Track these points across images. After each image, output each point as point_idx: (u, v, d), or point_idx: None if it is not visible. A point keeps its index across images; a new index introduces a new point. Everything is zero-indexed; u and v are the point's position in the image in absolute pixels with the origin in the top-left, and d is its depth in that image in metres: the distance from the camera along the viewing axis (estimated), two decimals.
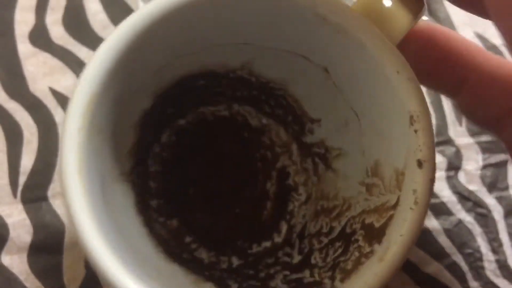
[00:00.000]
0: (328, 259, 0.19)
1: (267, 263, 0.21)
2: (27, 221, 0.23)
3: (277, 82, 0.21)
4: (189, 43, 0.19)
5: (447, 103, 0.26)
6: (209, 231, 0.22)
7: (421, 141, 0.16)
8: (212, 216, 0.23)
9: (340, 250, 0.19)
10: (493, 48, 0.27)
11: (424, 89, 0.25)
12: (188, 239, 0.22)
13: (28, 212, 0.23)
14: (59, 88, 0.24)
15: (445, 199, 0.25)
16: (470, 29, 0.27)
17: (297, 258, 0.21)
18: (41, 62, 0.25)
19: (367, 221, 0.18)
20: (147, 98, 0.20)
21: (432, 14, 0.27)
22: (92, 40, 0.25)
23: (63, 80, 0.25)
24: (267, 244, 0.22)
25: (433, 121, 0.26)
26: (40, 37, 0.25)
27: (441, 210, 0.24)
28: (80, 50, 0.25)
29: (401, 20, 0.16)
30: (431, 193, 0.16)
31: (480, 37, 0.27)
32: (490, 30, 0.27)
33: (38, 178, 0.23)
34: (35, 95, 0.24)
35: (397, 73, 0.16)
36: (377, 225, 0.17)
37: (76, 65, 0.25)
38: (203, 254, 0.22)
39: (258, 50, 0.20)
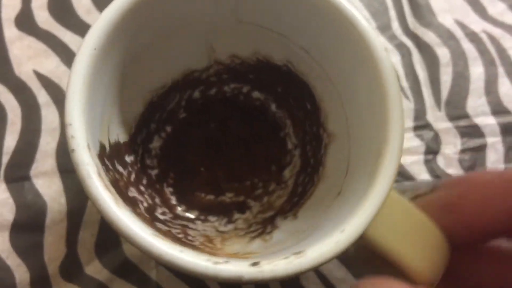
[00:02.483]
0: None
1: None
2: (10, 200, 0.23)
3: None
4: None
5: (426, 88, 0.26)
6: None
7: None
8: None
9: None
10: (472, 34, 0.27)
11: (402, 72, 0.26)
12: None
13: (11, 191, 0.23)
14: (43, 70, 0.25)
15: (423, 182, 0.25)
16: (450, 16, 0.28)
17: None
18: (26, 45, 0.25)
19: None
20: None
21: (412, 1, 0.28)
22: (76, 25, 0.26)
23: (47, 63, 0.25)
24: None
25: (412, 105, 0.26)
26: (25, 21, 0.25)
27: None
28: (64, 34, 0.25)
29: None
30: None
31: (459, 23, 0.27)
32: (469, 17, 0.28)
33: (21, 158, 0.24)
34: (20, 77, 0.25)
35: None
36: None
37: (60, 49, 0.25)
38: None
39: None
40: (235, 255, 0.19)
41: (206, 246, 0.20)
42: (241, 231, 0.22)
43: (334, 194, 0.19)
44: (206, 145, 0.23)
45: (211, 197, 0.23)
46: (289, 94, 0.23)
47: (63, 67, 0.25)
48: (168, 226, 0.21)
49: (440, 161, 0.25)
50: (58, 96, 0.25)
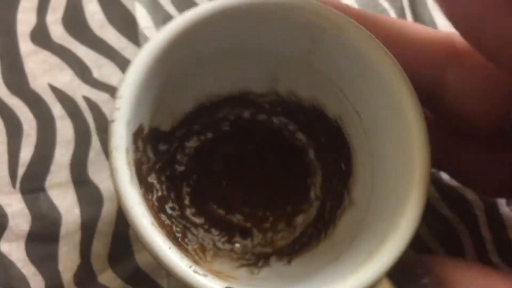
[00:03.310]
0: None
1: None
2: (26, 211, 0.24)
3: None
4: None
5: None
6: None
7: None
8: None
9: None
10: None
11: None
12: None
13: (26, 202, 0.24)
14: (57, 84, 0.26)
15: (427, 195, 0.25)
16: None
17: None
18: (41, 60, 0.26)
19: None
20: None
21: (417, 17, 0.28)
22: (90, 39, 0.26)
23: (62, 76, 0.26)
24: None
25: None
26: (40, 36, 0.26)
27: None
28: (78, 49, 0.26)
29: None
30: None
31: None
32: None
33: (36, 170, 0.25)
34: (35, 91, 0.25)
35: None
36: None
37: (74, 63, 0.26)
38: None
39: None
40: (218, 274, 0.20)
41: (197, 254, 0.21)
42: (235, 255, 0.22)
43: (331, 257, 0.19)
44: (236, 163, 0.24)
45: (222, 211, 0.23)
46: (329, 148, 0.23)
47: (77, 81, 0.26)
48: (171, 222, 0.21)
49: (444, 173, 0.26)
50: (72, 109, 0.25)
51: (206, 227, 0.23)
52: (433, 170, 0.26)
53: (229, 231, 0.23)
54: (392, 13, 0.28)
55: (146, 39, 0.26)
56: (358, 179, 0.21)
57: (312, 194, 0.24)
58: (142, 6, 0.27)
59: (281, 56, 0.20)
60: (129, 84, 0.16)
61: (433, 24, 0.28)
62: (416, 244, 0.24)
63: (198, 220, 0.23)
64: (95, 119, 0.25)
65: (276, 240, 0.23)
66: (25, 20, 0.26)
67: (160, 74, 0.18)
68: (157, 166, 0.21)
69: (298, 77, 0.21)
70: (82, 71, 0.26)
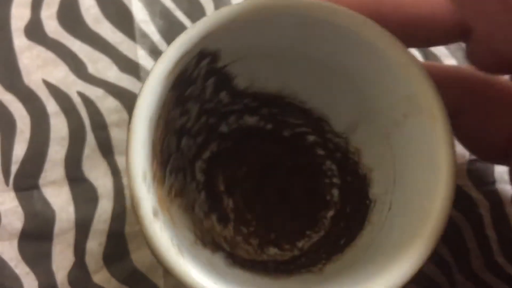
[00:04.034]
0: None
1: None
2: (19, 209, 0.23)
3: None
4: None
5: None
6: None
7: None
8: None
9: None
10: None
11: None
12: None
13: (20, 199, 0.24)
14: (52, 80, 0.25)
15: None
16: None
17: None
18: (35, 55, 0.25)
19: None
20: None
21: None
22: (85, 34, 0.26)
23: (56, 72, 0.25)
24: None
25: None
26: (35, 31, 0.26)
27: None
28: (73, 44, 0.26)
29: None
30: None
31: None
32: None
33: (30, 167, 0.24)
34: (29, 87, 0.25)
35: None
36: None
37: (69, 58, 0.25)
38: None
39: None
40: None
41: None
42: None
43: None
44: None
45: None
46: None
47: (72, 76, 0.25)
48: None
49: None
50: (67, 105, 0.25)
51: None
52: None
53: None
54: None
55: (142, 33, 0.26)
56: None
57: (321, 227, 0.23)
58: None
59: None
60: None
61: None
62: None
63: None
64: (90, 115, 0.25)
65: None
66: (19, 15, 0.26)
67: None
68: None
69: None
70: (77, 67, 0.25)
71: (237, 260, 0.21)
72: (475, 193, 0.25)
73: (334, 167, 0.23)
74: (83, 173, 0.24)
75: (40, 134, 0.24)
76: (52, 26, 0.26)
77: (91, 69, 0.25)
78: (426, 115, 0.16)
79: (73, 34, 0.26)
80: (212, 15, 0.16)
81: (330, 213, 0.23)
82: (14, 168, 0.24)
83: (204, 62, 0.19)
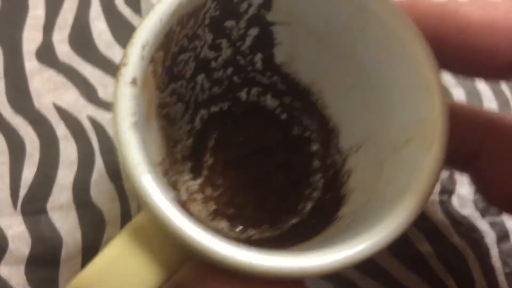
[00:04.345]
0: None
1: None
2: (26, 234, 0.23)
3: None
4: None
5: None
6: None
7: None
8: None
9: None
10: None
11: None
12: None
13: (27, 224, 0.24)
14: (62, 103, 0.25)
15: (438, 223, 0.25)
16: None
17: None
18: (46, 78, 0.25)
19: None
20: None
21: None
22: (97, 59, 0.26)
23: (67, 96, 0.25)
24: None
25: None
26: (46, 54, 0.26)
27: (433, 233, 0.25)
28: (84, 68, 0.26)
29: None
30: None
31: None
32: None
33: (38, 191, 0.24)
34: (39, 110, 0.25)
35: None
36: None
37: (80, 82, 0.25)
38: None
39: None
40: None
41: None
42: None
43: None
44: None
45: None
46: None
47: (82, 101, 0.25)
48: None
49: (455, 201, 0.25)
50: (76, 129, 0.25)
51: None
52: (445, 198, 0.25)
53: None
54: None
55: None
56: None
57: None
58: None
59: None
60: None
61: None
62: (423, 271, 0.24)
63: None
64: (99, 140, 0.25)
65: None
66: (31, 38, 0.26)
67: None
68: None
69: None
70: (88, 91, 0.25)
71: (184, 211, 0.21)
72: (481, 224, 0.25)
73: (321, 182, 0.23)
74: (91, 198, 0.24)
75: (49, 157, 0.24)
76: (63, 50, 0.26)
77: (102, 93, 0.25)
78: (426, 143, 0.16)
79: (84, 58, 0.26)
80: None
81: (293, 220, 0.23)
82: (22, 192, 0.24)
83: (256, 0, 0.19)
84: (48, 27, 0.26)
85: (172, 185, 0.21)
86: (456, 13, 0.16)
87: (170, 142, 0.22)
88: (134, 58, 0.16)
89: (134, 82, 0.16)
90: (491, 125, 0.19)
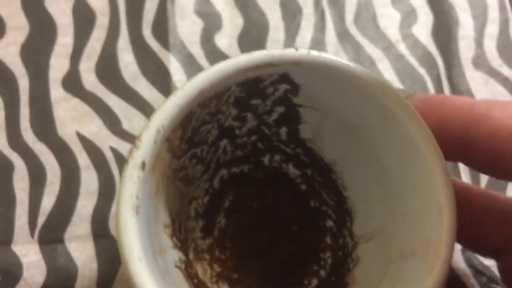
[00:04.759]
0: None
1: None
2: (42, 262, 0.23)
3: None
4: None
5: (463, 172, 0.26)
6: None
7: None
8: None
9: None
10: None
11: None
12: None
13: (43, 253, 0.23)
14: (85, 133, 0.25)
15: (459, 272, 0.24)
16: None
17: None
18: (71, 107, 0.25)
19: None
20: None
21: (454, 87, 0.28)
22: (122, 89, 0.26)
23: (90, 125, 0.25)
24: None
25: None
26: (72, 83, 0.26)
27: (455, 283, 0.24)
28: (109, 98, 0.26)
29: None
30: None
31: None
32: None
33: (57, 220, 0.24)
34: (62, 138, 0.25)
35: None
36: None
37: (104, 112, 0.25)
38: None
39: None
40: None
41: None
42: None
43: None
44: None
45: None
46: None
47: (105, 131, 0.25)
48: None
49: None
50: (98, 159, 0.25)
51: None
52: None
53: None
54: (429, 81, 0.28)
55: None
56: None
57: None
58: (176, 59, 0.27)
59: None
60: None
61: (469, 93, 0.28)
62: None
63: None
64: (120, 172, 0.25)
65: None
66: (58, 65, 0.26)
67: None
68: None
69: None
70: (112, 121, 0.25)
71: (190, 273, 0.21)
72: None
73: (329, 262, 0.23)
74: (109, 230, 0.24)
75: (70, 187, 0.24)
76: (90, 79, 0.26)
77: (126, 125, 0.25)
78: (429, 264, 0.16)
79: (110, 89, 0.26)
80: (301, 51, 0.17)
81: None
82: (41, 220, 0.24)
83: (283, 87, 0.19)
84: (76, 56, 0.26)
85: (181, 243, 0.21)
86: (486, 117, 0.16)
87: (185, 200, 0.22)
88: (147, 143, 0.16)
89: (143, 166, 0.16)
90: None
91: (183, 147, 0.19)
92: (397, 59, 0.28)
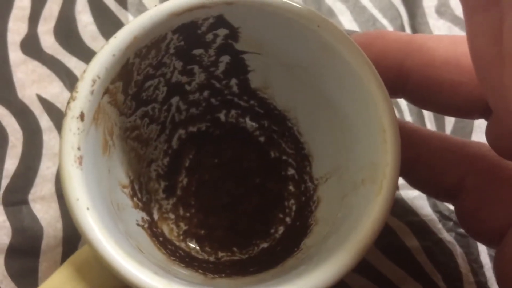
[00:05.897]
0: None
1: None
2: (7, 224, 0.23)
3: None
4: None
5: (429, 121, 0.26)
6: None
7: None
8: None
9: None
10: None
11: (406, 106, 0.26)
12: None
13: (8, 214, 0.23)
14: (46, 95, 0.25)
15: (425, 218, 0.25)
16: None
17: None
18: (30, 70, 0.25)
19: None
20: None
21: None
22: (82, 51, 0.26)
23: (51, 87, 0.25)
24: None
25: None
26: (31, 45, 0.26)
27: (421, 228, 0.24)
28: (69, 60, 0.26)
29: None
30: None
31: None
32: None
33: (20, 182, 0.24)
34: (23, 101, 0.25)
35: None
36: None
37: (64, 74, 0.25)
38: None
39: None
40: None
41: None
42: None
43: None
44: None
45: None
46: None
47: (66, 93, 0.25)
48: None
49: None
50: (60, 121, 0.25)
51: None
52: None
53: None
54: (392, 30, 0.28)
55: None
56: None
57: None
58: (134, 17, 0.26)
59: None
60: None
61: None
62: (410, 266, 0.23)
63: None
64: None
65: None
66: (16, 29, 0.26)
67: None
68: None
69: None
70: (72, 83, 0.25)
71: (155, 232, 0.21)
72: None
73: (294, 208, 0.23)
74: None
75: (32, 149, 0.24)
76: (48, 41, 0.26)
77: None
78: (376, 188, 0.16)
79: (69, 51, 0.26)
80: None
81: (264, 244, 0.23)
82: (4, 182, 0.24)
83: (222, 32, 0.19)
84: (34, 18, 0.26)
85: (144, 204, 0.21)
86: (422, 47, 0.17)
87: (143, 162, 0.22)
88: (83, 93, 0.16)
89: (81, 117, 0.16)
90: (474, 159, 0.18)
91: (129, 103, 0.19)
92: (359, 12, 0.28)
